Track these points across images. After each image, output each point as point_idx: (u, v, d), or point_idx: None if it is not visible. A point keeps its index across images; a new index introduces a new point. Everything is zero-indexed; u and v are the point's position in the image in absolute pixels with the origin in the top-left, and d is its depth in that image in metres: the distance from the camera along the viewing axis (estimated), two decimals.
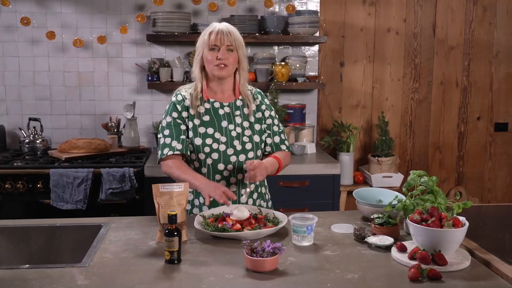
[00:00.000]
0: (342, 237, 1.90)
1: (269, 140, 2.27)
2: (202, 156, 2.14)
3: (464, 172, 4.13)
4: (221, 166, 2.15)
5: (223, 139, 2.15)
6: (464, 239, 1.67)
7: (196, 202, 2.20)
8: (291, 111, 3.75)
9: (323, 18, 3.82)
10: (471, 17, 3.96)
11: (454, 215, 1.68)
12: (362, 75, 3.96)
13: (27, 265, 1.64)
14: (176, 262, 1.64)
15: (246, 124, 2.21)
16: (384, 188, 2.23)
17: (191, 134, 2.16)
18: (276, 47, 3.83)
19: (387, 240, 1.77)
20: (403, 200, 1.83)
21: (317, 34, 3.69)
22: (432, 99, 4.03)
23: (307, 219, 1.82)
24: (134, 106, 3.54)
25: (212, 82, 2.21)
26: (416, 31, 3.94)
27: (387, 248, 1.75)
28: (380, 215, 1.88)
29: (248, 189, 2.15)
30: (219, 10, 3.66)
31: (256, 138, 2.20)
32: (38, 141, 3.49)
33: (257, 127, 2.23)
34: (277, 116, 2.33)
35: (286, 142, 2.31)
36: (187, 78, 3.60)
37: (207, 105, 2.20)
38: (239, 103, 2.23)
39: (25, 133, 3.54)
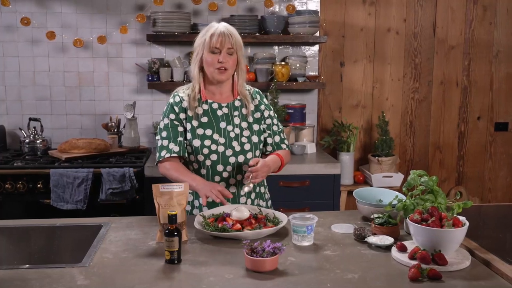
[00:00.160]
0: (342, 237, 1.89)
1: (269, 140, 2.27)
2: (201, 157, 2.14)
3: (464, 172, 4.13)
4: (220, 167, 2.15)
5: (222, 140, 2.15)
6: (464, 239, 1.67)
7: (196, 203, 2.20)
8: (291, 111, 3.75)
9: (323, 18, 3.82)
10: (471, 17, 3.96)
11: (454, 215, 1.68)
12: (362, 75, 3.96)
13: (27, 265, 1.64)
14: (176, 262, 1.64)
15: (244, 124, 2.20)
16: (384, 188, 2.23)
17: (189, 135, 2.15)
18: (276, 47, 3.83)
19: (387, 240, 1.77)
20: (403, 200, 1.83)
21: (317, 34, 3.69)
22: (432, 99, 4.03)
23: (307, 219, 1.82)
24: (134, 106, 3.54)
25: (211, 83, 2.20)
26: (416, 31, 3.94)
27: (387, 248, 1.75)
28: (380, 215, 1.88)
29: (251, 185, 2.10)
30: (219, 10, 3.66)
31: (255, 139, 2.20)
32: (38, 141, 3.49)
33: (255, 127, 2.22)
34: (276, 115, 2.33)
35: (286, 141, 2.32)
36: (187, 78, 3.59)
37: (205, 106, 2.19)
38: (237, 103, 2.23)
39: (25, 133, 3.54)
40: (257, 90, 2.32)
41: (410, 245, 1.71)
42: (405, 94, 4.00)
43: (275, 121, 2.30)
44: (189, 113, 2.16)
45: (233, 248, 1.76)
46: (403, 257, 1.64)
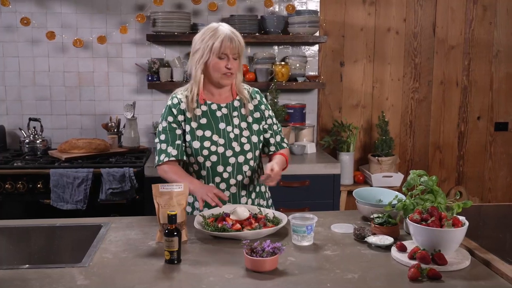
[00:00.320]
0: (342, 237, 1.90)
1: (272, 140, 2.27)
2: (201, 159, 2.14)
3: (464, 172, 4.13)
4: (220, 168, 2.15)
5: (221, 141, 2.15)
6: (464, 238, 1.67)
7: (197, 204, 2.20)
8: (291, 111, 3.75)
9: (323, 18, 3.82)
10: (471, 17, 3.96)
11: (454, 215, 1.68)
12: (362, 75, 3.96)
13: (27, 265, 1.64)
14: (176, 262, 1.64)
15: (244, 125, 2.20)
16: (384, 188, 2.23)
17: (188, 137, 2.15)
18: (276, 47, 3.83)
19: (387, 239, 1.77)
20: (403, 200, 1.83)
21: (317, 34, 3.69)
22: (432, 98, 4.03)
23: (307, 219, 1.82)
24: (134, 106, 3.54)
25: (211, 85, 2.19)
26: (416, 30, 3.94)
27: (387, 248, 1.75)
28: (380, 215, 1.88)
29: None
30: (219, 10, 3.66)
31: (254, 139, 2.20)
32: (38, 141, 3.49)
33: (255, 127, 2.22)
34: (274, 114, 2.34)
35: (285, 140, 2.34)
36: (187, 78, 3.59)
37: (204, 108, 2.18)
38: (236, 103, 2.23)
39: (25, 133, 3.54)
40: (256, 89, 2.32)
41: (410, 245, 1.71)
42: (405, 94, 4.00)
43: (274, 120, 2.31)
44: (188, 114, 2.15)
45: (233, 248, 1.76)
46: (403, 257, 1.64)
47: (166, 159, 2.11)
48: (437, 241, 1.60)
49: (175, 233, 1.63)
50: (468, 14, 3.95)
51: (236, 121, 2.19)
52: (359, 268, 1.60)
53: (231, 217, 1.92)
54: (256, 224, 1.90)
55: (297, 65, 3.71)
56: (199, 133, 2.14)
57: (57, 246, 2.01)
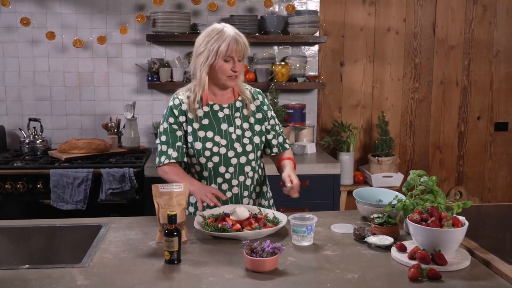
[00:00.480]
0: (342, 237, 1.90)
1: (274, 142, 2.27)
2: (203, 160, 2.14)
3: (464, 172, 4.13)
4: (222, 169, 2.15)
5: (223, 142, 2.14)
6: (464, 239, 1.67)
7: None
8: (291, 111, 3.75)
9: (323, 18, 3.82)
10: (471, 17, 3.96)
11: (454, 215, 1.68)
12: (362, 75, 3.96)
13: (27, 265, 1.64)
14: (176, 262, 1.64)
15: (246, 125, 2.20)
16: (384, 188, 2.23)
17: (190, 138, 2.14)
18: (276, 47, 3.83)
19: (387, 240, 1.77)
20: (403, 200, 1.83)
21: (317, 34, 3.69)
22: (432, 98, 4.03)
23: (307, 219, 1.82)
24: (134, 106, 3.54)
25: (214, 86, 2.18)
26: (416, 30, 3.94)
27: (387, 248, 1.75)
28: (380, 215, 1.88)
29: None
30: (219, 10, 3.66)
31: (256, 140, 2.20)
32: (38, 142, 3.49)
33: (257, 128, 2.22)
34: (276, 115, 2.33)
35: (287, 140, 2.34)
36: (187, 78, 3.59)
37: (206, 108, 2.17)
38: (238, 104, 2.22)
39: (25, 134, 3.54)
40: (258, 90, 2.31)
41: (409, 245, 1.71)
42: (405, 94, 4.00)
43: (277, 121, 2.31)
44: (190, 115, 2.15)
45: (233, 248, 1.76)
46: (403, 257, 1.64)
47: (167, 161, 2.11)
48: (437, 241, 1.60)
49: (175, 233, 1.63)
50: (468, 14, 3.95)
51: (238, 121, 2.19)
52: (359, 268, 1.60)
53: (231, 217, 1.92)
54: (256, 224, 1.90)
55: (297, 65, 3.71)
56: (201, 134, 2.14)
57: (57, 246, 2.01)
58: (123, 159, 3.33)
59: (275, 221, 1.95)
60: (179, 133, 2.15)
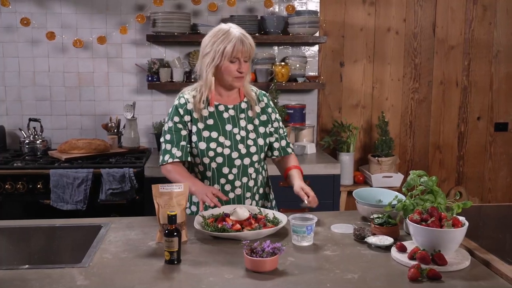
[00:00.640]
0: (342, 237, 1.90)
1: (276, 145, 2.26)
2: (206, 160, 2.14)
3: (464, 172, 4.13)
4: (225, 170, 2.14)
5: (228, 142, 2.14)
6: (464, 239, 1.67)
7: None
8: (291, 111, 3.75)
9: (323, 18, 3.82)
10: (471, 17, 3.96)
11: (454, 215, 1.68)
12: (362, 75, 3.96)
13: (27, 265, 1.64)
14: (176, 262, 1.64)
15: (250, 127, 2.19)
16: (384, 188, 2.24)
17: (195, 138, 2.14)
18: (276, 47, 3.83)
19: (387, 240, 1.77)
20: (403, 200, 1.83)
21: (317, 34, 3.69)
22: (432, 99, 4.03)
23: (307, 219, 1.82)
24: (134, 106, 3.54)
25: (220, 87, 2.17)
26: (416, 31, 3.94)
27: (387, 248, 1.75)
28: (380, 215, 1.88)
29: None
30: (219, 10, 3.66)
31: (260, 141, 2.19)
32: (38, 142, 3.49)
33: (261, 129, 2.21)
34: (280, 118, 2.32)
35: (290, 145, 2.32)
36: (187, 78, 3.59)
37: (211, 108, 2.17)
38: (243, 105, 2.22)
39: (25, 134, 3.54)
40: (263, 92, 2.31)
41: (409, 245, 1.71)
42: (405, 94, 4.01)
43: (281, 124, 2.29)
44: (195, 115, 2.14)
45: (233, 248, 1.76)
46: (403, 257, 1.64)
47: (170, 160, 2.11)
48: (437, 242, 1.60)
49: (175, 234, 1.63)
50: (468, 14, 3.96)
51: (242, 123, 2.18)
52: (359, 268, 1.60)
53: (231, 217, 1.92)
54: (256, 224, 1.90)
55: (297, 65, 3.71)
56: (205, 134, 2.14)
57: (57, 246, 2.02)
58: (123, 159, 3.33)
59: (275, 221, 1.95)
60: (183, 132, 2.15)
